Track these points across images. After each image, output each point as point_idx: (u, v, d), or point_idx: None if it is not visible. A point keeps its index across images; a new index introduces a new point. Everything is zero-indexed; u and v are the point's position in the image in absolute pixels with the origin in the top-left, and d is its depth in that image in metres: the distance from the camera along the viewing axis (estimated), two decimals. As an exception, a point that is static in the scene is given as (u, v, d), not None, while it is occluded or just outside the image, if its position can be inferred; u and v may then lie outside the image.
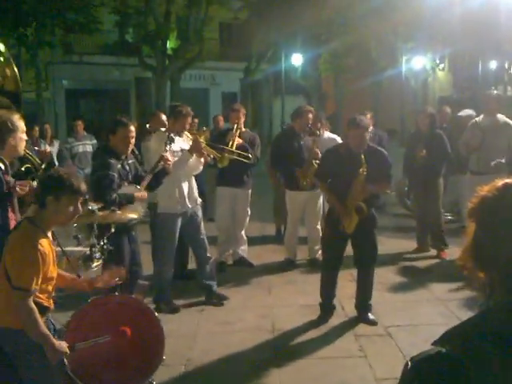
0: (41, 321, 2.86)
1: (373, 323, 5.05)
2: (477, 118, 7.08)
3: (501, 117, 6.88)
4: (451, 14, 21.98)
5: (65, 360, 2.99)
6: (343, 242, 5.15)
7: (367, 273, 5.20)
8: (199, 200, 5.65)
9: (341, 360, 4.38)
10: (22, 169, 4.17)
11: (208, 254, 5.61)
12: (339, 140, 6.72)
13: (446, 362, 1.20)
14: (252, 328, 5.00)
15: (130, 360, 3.42)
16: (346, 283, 5.56)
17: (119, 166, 4.76)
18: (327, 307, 5.24)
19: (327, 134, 7.01)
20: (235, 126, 6.43)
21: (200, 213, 5.60)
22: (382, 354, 4.44)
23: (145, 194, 4.93)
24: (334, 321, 5.16)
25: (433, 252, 7.21)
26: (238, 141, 6.29)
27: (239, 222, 6.77)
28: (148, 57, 21.48)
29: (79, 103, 23.45)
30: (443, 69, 33.73)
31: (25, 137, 3.57)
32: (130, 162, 4.94)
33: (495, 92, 7.68)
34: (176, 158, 5.22)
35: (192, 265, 6.50)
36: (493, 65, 26.31)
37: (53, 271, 2.97)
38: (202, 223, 5.63)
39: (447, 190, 7.81)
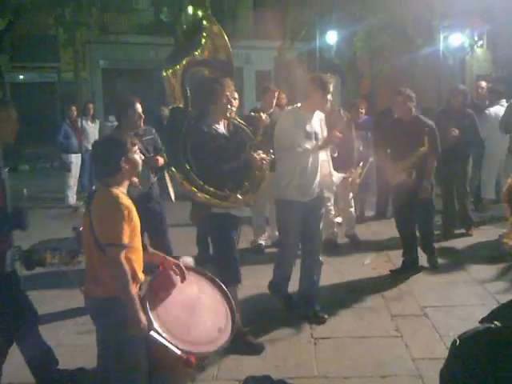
0: (131, 284, 2.82)
1: None
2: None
3: (544, 96, 6.74)
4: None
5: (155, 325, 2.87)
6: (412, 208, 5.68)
7: None
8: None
9: (377, 340, 4.44)
10: None
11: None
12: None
13: (495, 337, 1.21)
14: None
15: (215, 320, 3.22)
16: (382, 264, 5.60)
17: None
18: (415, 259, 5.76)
19: None
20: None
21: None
22: (418, 333, 4.48)
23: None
24: (370, 301, 5.21)
25: (461, 231, 7.21)
26: None
27: None
28: (183, 36, 21.50)
29: (115, 83, 23.65)
30: (482, 46, 32.81)
31: (234, 96, 4.17)
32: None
33: (537, 70, 7.53)
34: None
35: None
36: (534, 41, 25.47)
37: (139, 229, 3.01)
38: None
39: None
